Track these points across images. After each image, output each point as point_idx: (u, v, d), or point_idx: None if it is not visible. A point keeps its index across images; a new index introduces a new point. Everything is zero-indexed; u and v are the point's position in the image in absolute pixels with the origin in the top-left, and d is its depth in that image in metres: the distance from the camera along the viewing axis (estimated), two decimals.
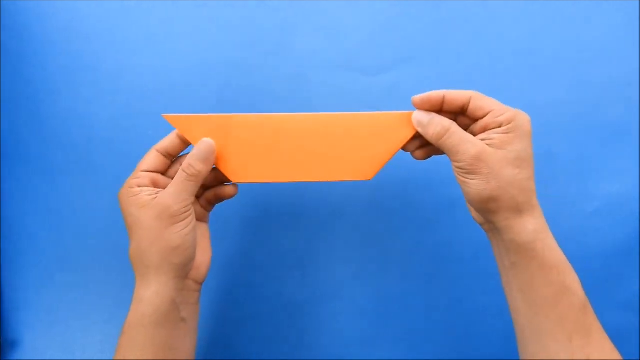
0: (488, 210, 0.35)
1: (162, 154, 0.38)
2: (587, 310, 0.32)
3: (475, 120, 0.36)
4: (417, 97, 0.36)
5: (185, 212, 0.36)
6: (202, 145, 0.37)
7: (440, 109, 0.37)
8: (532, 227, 0.34)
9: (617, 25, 0.46)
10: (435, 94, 0.36)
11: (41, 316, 0.46)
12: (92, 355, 0.46)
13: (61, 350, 0.46)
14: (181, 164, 0.37)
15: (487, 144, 0.34)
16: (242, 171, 0.39)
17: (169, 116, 0.39)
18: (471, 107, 0.35)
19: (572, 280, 0.33)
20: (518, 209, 0.34)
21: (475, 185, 0.34)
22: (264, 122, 0.38)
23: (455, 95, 0.35)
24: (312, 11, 0.47)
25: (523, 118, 0.34)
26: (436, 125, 0.36)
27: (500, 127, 0.34)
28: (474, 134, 0.35)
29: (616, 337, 0.44)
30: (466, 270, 0.46)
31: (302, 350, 0.46)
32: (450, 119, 0.36)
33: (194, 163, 0.36)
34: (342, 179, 0.40)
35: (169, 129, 0.46)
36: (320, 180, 0.40)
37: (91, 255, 0.46)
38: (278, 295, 0.46)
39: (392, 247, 0.46)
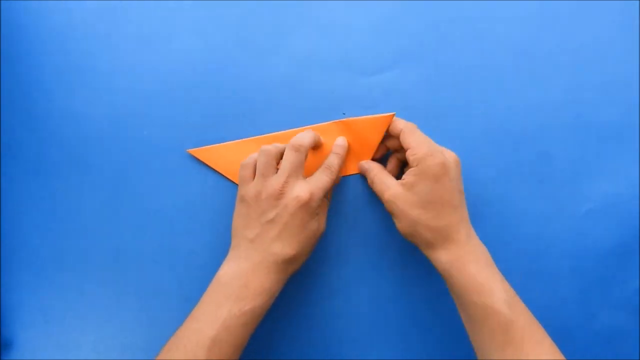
0: (413, 243, 0.41)
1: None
2: (513, 328, 0.35)
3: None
4: None
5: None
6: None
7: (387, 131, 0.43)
8: (445, 258, 0.38)
9: (616, 25, 0.46)
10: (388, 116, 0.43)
11: (36, 316, 0.46)
12: (87, 355, 0.46)
13: (56, 350, 0.46)
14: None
15: (402, 184, 0.39)
16: None
17: (193, 150, 0.46)
18: (401, 139, 0.41)
19: (495, 300, 0.36)
20: (430, 244, 0.39)
21: (396, 223, 0.40)
22: (269, 140, 0.45)
23: (396, 123, 0.42)
24: (310, 11, 0.47)
25: (431, 161, 0.38)
26: (371, 174, 0.43)
27: (413, 166, 0.39)
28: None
29: (614, 337, 0.45)
30: None
31: (299, 351, 0.46)
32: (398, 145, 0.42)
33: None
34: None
35: (166, 129, 0.46)
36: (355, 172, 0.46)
37: (86, 256, 0.46)
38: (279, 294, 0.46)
39: (390, 247, 0.46)
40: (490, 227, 0.45)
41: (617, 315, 0.45)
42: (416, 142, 0.39)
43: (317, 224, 0.40)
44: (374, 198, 0.46)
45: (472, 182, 0.46)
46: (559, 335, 0.44)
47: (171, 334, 0.45)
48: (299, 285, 0.46)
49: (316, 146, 0.44)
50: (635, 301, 0.45)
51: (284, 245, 0.38)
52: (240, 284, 0.38)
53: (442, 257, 0.38)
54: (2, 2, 0.47)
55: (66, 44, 0.47)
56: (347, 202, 0.46)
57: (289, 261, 0.39)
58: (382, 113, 0.46)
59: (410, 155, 0.39)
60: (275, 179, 0.39)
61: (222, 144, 0.46)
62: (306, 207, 0.39)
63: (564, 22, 0.46)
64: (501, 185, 0.46)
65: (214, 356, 0.35)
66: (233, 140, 0.46)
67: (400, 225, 0.40)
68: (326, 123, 0.45)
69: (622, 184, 0.45)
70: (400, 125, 0.41)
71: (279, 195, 0.39)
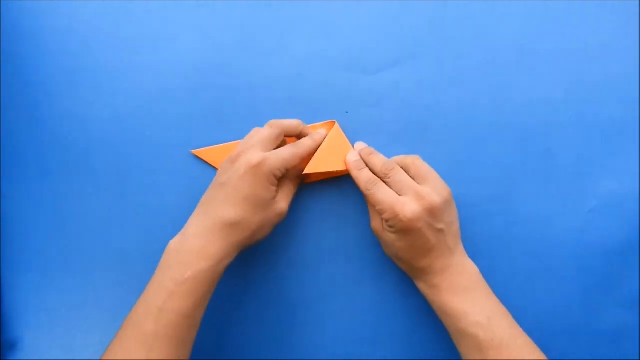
0: None
1: (295, 162, 0.41)
2: (486, 347, 0.37)
3: None
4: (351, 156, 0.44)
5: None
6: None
7: None
8: (423, 287, 0.42)
9: (617, 24, 0.46)
10: (354, 169, 0.43)
11: (41, 317, 0.46)
12: (91, 356, 0.46)
13: (61, 350, 0.46)
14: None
15: (382, 222, 0.42)
16: None
17: (197, 151, 0.46)
18: (367, 199, 0.42)
19: (468, 324, 0.38)
20: (411, 274, 0.43)
21: (382, 246, 0.43)
22: None
23: (358, 181, 0.42)
24: (311, 11, 0.47)
25: (399, 221, 0.39)
26: (365, 183, 0.42)
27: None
28: None
29: (618, 336, 0.45)
30: None
31: (300, 351, 0.46)
32: None
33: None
34: (328, 169, 0.44)
35: (169, 129, 0.46)
36: (324, 177, 0.46)
37: (91, 257, 0.46)
38: (276, 295, 0.46)
39: None
40: (494, 226, 0.46)
41: (622, 313, 0.45)
42: (381, 203, 0.39)
43: (270, 195, 0.39)
44: None
45: (474, 181, 0.46)
46: (563, 333, 0.45)
47: None
48: (298, 286, 0.46)
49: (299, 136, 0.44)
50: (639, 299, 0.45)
51: (227, 208, 0.38)
52: (184, 250, 0.37)
53: (421, 286, 0.42)
54: (2, 2, 0.47)
55: (68, 45, 0.47)
56: (348, 201, 0.46)
57: (231, 225, 0.37)
58: (385, 111, 0.46)
59: (380, 213, 0.40)
60: (239, 146, 0.40)
61: (225, 144, 0.46)
62: (255, 171, 0.38)
63: (565, 21, 0.46)
64: (504, 183, 0.46)
65: (161, 326, 0.34)
66: (236, 139, 0.46)
67: (384, 250, 0.44)
68: (317, 123, 0.46)
69: (625, 182, 0.46)
70: (362, 185, 0.42)
71: (235, 159, 0.39)
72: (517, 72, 0.46)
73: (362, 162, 0.43)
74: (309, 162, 0.43)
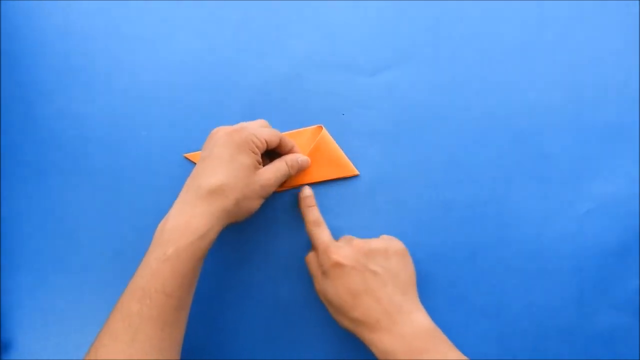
0: None
1: (275, 139, 0.41)
2: None
3: None
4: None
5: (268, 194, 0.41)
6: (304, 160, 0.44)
7: None
8: (378, 354, 0.37)
9: (616, 25, 0.46)
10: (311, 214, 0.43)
11: (35, 317, 0.46)
12: None
13: (55, 351, 0.46)
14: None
15: None
16: None
17: (189, 155, 0.46)
18: (307, 230, 0.43)
19: None
20: (354, 332, 0.38)
21: None
22: None
23: (307, 216, 0.43)
24: (308, 11, 0.47)
25: (329, 257, 0.39)
26: (311, 223, 0.43)
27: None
28: None
29: (614, 337, 0.45)
30: (463, 271, 0.45)
31: (298, 351, 0.46)
32: None
33: (295, 168, 0.43)
34: (333, 177, 0.46)
35: (163, 129, 0.46)
36: (315, 181, 0.46)
37: (86, 257, 0.46)
38: (274, 295, 0.46)
39: None
40: (490, 227, 0.45)
41: (617, 315, 0.45)
42: (320, 244, 0.40)
43: (251, 162, 0.39)
44: (371, 200, 0.46)
45: (470, 182, 0.46)
46: (558, 335, 0.45)
47: None
48: (296, 286, 0.46)
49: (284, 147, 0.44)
50: (635, 301, 0.45)
51: (209, 176, 0.37)
52: (167, 229, 0.36)
53: (374, 351, 0.38)
54: (1, 2, 0.47)
55: (65, 45, 0.47)
56: (344, 203, 0.46)
57: (213, 191, 0.37)
58: (381, 112, 0.46)
59: (314, 248, 0.41)
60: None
61: None
62: (233, 136, 0.38)
63: (563, 22, 0.46)
64: (501, 185, 0.46)
65: (146, 306, 0.34)
66: None
67: (318, 294, 0.42)
68: (303, 128, 0.46)
69: (622, 184, 0.45)
70: (307, 224, 0.42)
71: (213, 134, 0.40)
72: (513, 74, 0.46)
73: (313, 198, 0.44)
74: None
